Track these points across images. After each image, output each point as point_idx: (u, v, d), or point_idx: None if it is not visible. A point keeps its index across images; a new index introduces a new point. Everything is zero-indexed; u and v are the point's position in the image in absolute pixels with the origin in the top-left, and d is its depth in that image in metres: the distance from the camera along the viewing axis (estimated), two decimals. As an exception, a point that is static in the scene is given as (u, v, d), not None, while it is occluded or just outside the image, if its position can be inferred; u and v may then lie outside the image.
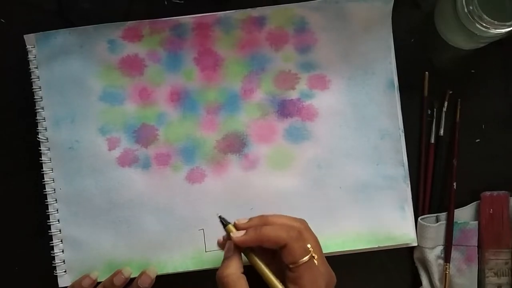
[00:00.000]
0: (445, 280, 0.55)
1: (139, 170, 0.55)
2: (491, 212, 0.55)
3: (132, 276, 0.54)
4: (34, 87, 0.56)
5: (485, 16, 0.49)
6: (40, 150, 0.55)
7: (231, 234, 0.47)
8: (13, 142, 0.57)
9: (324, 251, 0.54)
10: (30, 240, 0.57)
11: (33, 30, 0.55)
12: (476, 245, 0.56)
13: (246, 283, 0.45)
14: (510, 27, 0.50)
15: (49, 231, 0.55)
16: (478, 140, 0.58)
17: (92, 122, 0.56)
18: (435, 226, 0.55)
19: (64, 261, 0.55)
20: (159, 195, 0.55)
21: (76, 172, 0.55)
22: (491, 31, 0.50)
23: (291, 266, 0.45)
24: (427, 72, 0.57)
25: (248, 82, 0.56)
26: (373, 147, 0.56)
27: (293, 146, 0.56)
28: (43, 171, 0.55)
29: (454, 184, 0.56)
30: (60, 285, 0.55)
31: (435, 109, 0.57)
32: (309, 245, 0.46)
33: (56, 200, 0.55)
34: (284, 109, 0.56)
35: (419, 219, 0.56)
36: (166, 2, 0.57)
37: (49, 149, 0.56)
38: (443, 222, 0.56)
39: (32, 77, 0.56)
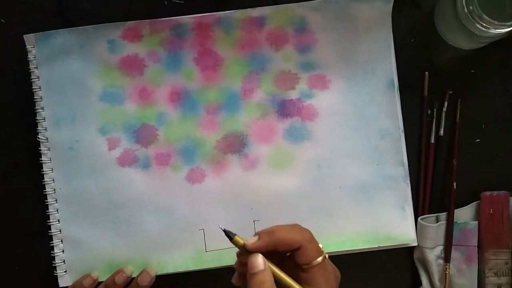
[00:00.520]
0: (445, 280, 0.55)
1: (139, 170, 0.55)
2: (491, 212, 0.55)
3: (132, 276, 0.54)
4: (34, 87, 0.56)
5: (485, 16, 0.49)
6: (40, 150, 0.55)
7: (244, 242, 0.44)
8: (13, 142, 0.57)
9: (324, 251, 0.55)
10: (30, 240, 0.57)
11: (33, 30, 0.55)
12: (476, 245, 0.56)
13: None
14: (510, 27, 0.50)
15: (49, 231, 0.55)
16: (478, 140, 0.58)
17: (92, 122, 0.56)
18: (435, 226, 0.55)
19: (64, 261, 0.55)
20: (159, 195, 0.55)
21: (76, 172, 0.55)
22: (491, 31, 0.50)
23: (304, 267, 0.44)
24: (427, 72, 0.57)
25: (248, 82, 0.56)
26: (373, 147, 0.56)
27: (293, 146, 0.56)
28: (43, 171, 0.55)
29: (454, 184, 0.56)
30: (60, 285, 0.55)
31: (435, 109, 0.57)
32: (321, 245, 0.46)
33: (56, 200, 0.55)
34: (284, 109, 0.56)
35: (419, 219, 0.56)
36: (166, 2, 0.57)
37: (49, 149, 0.56)
38: (443, 222, 0.56)
39: (32, 77, 0.56)
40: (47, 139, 0.56)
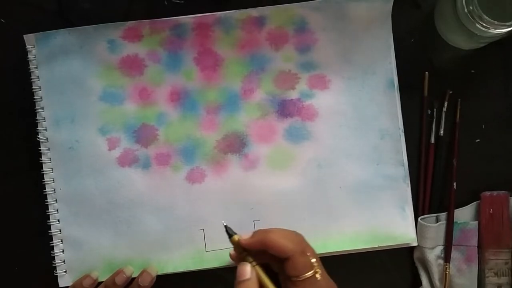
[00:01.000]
0: (445, 280, 0.55)
1: (139, 170, 0.55)
2: (491, 212, 0.55)
3: (133, 275, 0.54)
4: (34, 87, 0.56)
5: (485, 16, 0.49)
6: (40, 150, 0.55)
7: (238, 237, 0.46)
8: (13, 142, 0.57)
9: (324, 251, 0.55)
10: (30, 240, 0.57)
11: (33, 30, 0.55)
12: (476, 245, 0.56)
13: None
14: (510, 27, 0.50)
15: (49, 231, 0.55)
16: (478, 140, 0.58)
17: (92, 122, 0.56)
18: (435, 226, 0.55)
19: (64, 261, 0.55)
20: (159, 195, 0.55)
21: (76, 172, 0.55)
22: (491, 31, 0.50)
23: (293, 279, 0.44)
24: (427, 72, 0.57)
25: (248, 82, 0.56)
26: (373, 147, 0.56)
27: (293, 146, 0.56)
28: (43, 171, 0.55)
29: (454, 184, 0.56)
30: (60, 285, 0.55)
31: (435, 109, 0.57)
32: (313, 260, 0.45)
33: (56, 200, 0.55)
34: (284, 109, 0.56)
35: (419, 219, 0.56)
36: (166, 2, 0.57)
37: (49, 149, 0.56)
38: (443, 222, 0.56)
39: (32, 77, 0.56)
40: (47, 139, 0.56)
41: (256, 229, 0.47)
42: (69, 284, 0.54)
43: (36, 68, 0.56)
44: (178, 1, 0.57)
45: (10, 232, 0.57)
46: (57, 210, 0.55)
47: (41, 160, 0.55)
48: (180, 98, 0.56)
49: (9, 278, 0.57)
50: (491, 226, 0.55)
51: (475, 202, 0.56)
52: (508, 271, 0.55)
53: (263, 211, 0.55)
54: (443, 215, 0.56)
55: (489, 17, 0.49)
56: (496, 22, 0.50)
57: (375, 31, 0.56)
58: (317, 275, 0.45)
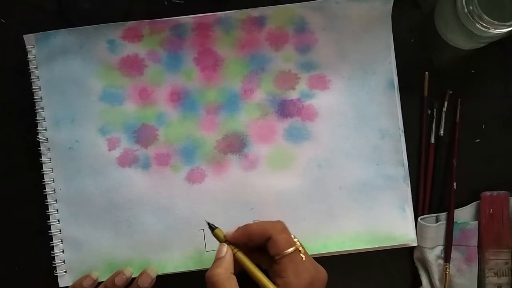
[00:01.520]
0: (445, 280, 0.55)
1: (139, 170, 0.55)
2: (491, 212, 0.55)
3: (133, 276, 0.54)
4: (34, 87, 0.56)
5: (485, 16, 0.49)
6: (40, 150, 0.55)
7: (224, 232, 0.49)
8: (13, 142, 0.57)
9: (324, 251, 0.55)
10: (30, 240, 0.57)
11: (33, 30, 0.55)
12: (476, 245, 0.56)
13: (235, 283, 0.46)
14: (510, 27, 0.50)
15: (49, 231, 0.55)
16: (478, 140, 0.58)
17: (92, 122, 0.56)
18: (435, 226, 0.55)
19: (64, 261, 0.55)
20: (159, 195, 0.55)
21: (76, 172, 0.55)
22: (491, 31, 0.50)
23: (276, 258, 0.46)
24: (427, 72, 0.57)
25: (248, 82, 0.56)
26: (373, 147, 0.56)
27: (293, 146, 0.56)
28: (43, 171, 0.55)
29: (454, 184, 0.56)
30: (60, 285, 0.55)
31: (435, 109, 0.57)
32: (293, 236, 0.47)
33: (56, 200, 0.55)
34: (284, 109, 0.56)
35: (419, 219, 0.56)
36: (166, 2, 0.57)
37: (49, 149, 0.56)
38: (443, 222, 0.56)
39: (32, 77, 0.56)
40: (47, 139, 0.56)
41: None
42: (69, 284, 0.54)
43: (36, 68, 0.56)
44: (178, 1, 0.57)
45: (10, 232, 0.57)
46: (57, 210, 0.55)
47: (41, 160, 0.55)
48: (180, 98, 0.56)
49: (9, 278, 0.57)
50: (491, 226, 0.55)
51: (475, 202, 0.56)
52: (508, 271, 0.55)
53: (263, 211, 0.55)
54: (443, 215, 0.56)
55: (489, 17, 0.49)
56: (496, 22, 0.50)
57: (375, 31, 0.56)
58: (301, 254, 0.46)
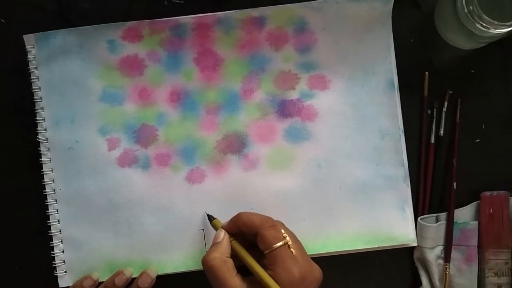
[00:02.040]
0: (445, 280, 0.55)
1: (139, 170, 0.55)
2: (491, 212, 0.55)
3: (133, 276, 0.54)
4: (34, 87, 0.56)
5: (485, 16, 0.49)
6: (40, 150, 0.55)
7: (218, 221, 0.52)
8: (13, 142, 0.57)
9: (324, 251, 0.55)
10: (30, 240, 0.57)
11: (33, 30, 0.55)
12: (476, 245, 0.56)
13: (232, 266, 0.47)
14: (510, 27, 0.50)
15: (49, 231, 0.55)
16: (478, 140, 0.58)
17: (92, 123, 0.56)
18: (435, 226, 0.55)
19: (64, 262, 0.55)
20: (159, 195, 0.55)
21: (76, 173, 0.55)
22: (491, 31, 0.50)
23: (265, 252, 0.47)
24: (427, 72, 0.57)
25: (248, 82, 0.56)
26: (373, 147, 0.56)
27: (293, 146, 0.56)
28: (43, 171, 0.55)
29: (454, 184, 0.56)
30: (60, 286, 0.55)
31: (435, 109, 0.57)
32: (283, 231, 0.48)
33: (56, 201, 0.55)
34: (284, 109, 0.56)
35: (419, 219, 0.56)
36: (166, 2, 0.57)
37: (49, 150, 0.56)
38: (443, 222, 0.56)
39: (32, 77, 0.56)
40: (47, 139, 0.56)
41: None
42: (69, 284, 0.54)
43: (36, 68, 0.55)
44: (178, 1, 0.57)
45: (10, 232, 0.57)
46: (57, 211, 0.55)
47: (41, 161, 0.55)
48: (180, 98, 0.56)
49: (9, 278, 0.57)
50: (491, 226, 0.55)
51: (475, 202, 0.56)
52: (508, 271, 0.55)
53: (263, 211, 0.55)
54: (443, 215, 0.56)
55: (489, 17, 0.49)
56: (496, 22, 0.50)
57: (375, 31, 0.56)
58: (291, 249, 0.47)
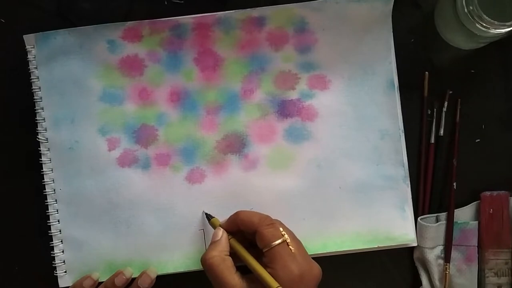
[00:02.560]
0: (445, 280, 0.55)
1: (139, 170, 0.55)
2: (491, 212, 0.55)
3: (133, 276, 0.54)
4: (34, 87, 0.56)
5: (485, 16, 0.49)
6: (40, 150, 0.55)
7: (216, 220, 0.53)
8: (13, 142, 0.57)
9: (323, 251, 0.55)
10: (30, 240, 0.57)
11: (33, 30, 0.55)
12: (476, 245, 0.56)
13: (231, 264, 0.48)
14: (510, 27, 0.50)
15: (49, 231, 0.55)
16: (478, 140, 0.58)
17: (92, 123, 0.56)
18: (435, 226, 0.55)
19: (64, 262, 0.55)
20: (159, 195, 0.55)
21: (76, 173, 0.55)
22: (491, 31, 0.50)
23: (264, 250, 0.47)
24: (427, 72, 0.57)
25: (248, 82, 0.56)
26: (373, 147, 0.56)
27: (293, 147, 0.56)
28: (43, 171, 0.55)
29: (454, 184, 0.56)
30: (60, 286, 0.55)
31: (435, 109, 0.57)
32: (281, 229, 0.48)
33: (56, 201, 0.55)
34: (284, 109, 0.56)
35: (419, 219, 0.56)
36: (166, 2, 0.57)
37: (49, 150, 0.56)
38: (443, 222, 0.56)
39: (32, 77, 0.56)
40: (47, 139, 0.56)
41: None
42: (69, 284, 0.55)
43: (36, 68, 0.55)
44: (178, 1, 0.57)
45: (10, 232, 0.57)
46: (57, 211, 0.55)
47: (41, 161, 0.55)
48: (180, 98, 0.56)
49: (9, 278, 0.57)
50: (491, 226, 0.55)
51: (475, 202, 0.56)
52: (508, 271, 0.55)
53: (263, 211, 0.55)
54: (443, 215, 0.56)
55: (489, 17, 0.49)
56: (496, 22, 0.50)
57: (375, 31, 0.56)
58: (290, 247, 0.47)
